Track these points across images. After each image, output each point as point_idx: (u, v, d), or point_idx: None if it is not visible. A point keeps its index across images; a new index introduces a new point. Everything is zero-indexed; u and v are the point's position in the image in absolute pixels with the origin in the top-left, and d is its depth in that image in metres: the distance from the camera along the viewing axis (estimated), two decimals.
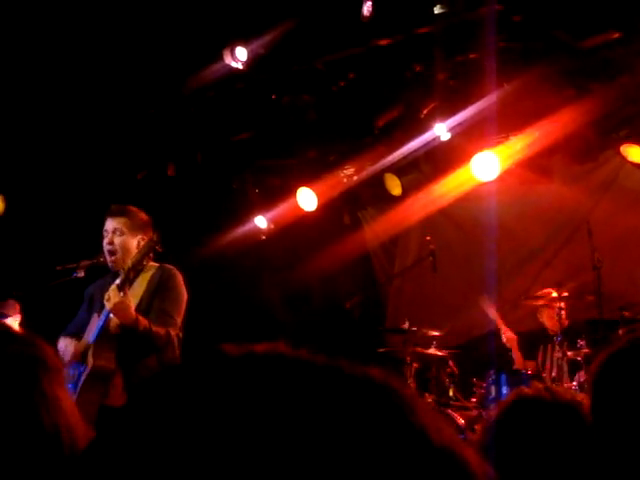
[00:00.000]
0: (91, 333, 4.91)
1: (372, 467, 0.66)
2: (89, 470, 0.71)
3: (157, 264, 5.12)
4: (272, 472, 0.65)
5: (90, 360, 4.81)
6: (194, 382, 0.74)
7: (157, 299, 4.97)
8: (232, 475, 0.65)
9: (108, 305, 4.73)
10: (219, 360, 0.76)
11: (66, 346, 4.97)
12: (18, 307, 7.18)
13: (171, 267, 5.12)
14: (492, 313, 7.67)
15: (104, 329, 4.80)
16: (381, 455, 0.67)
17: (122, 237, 5.01)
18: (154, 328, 4.84)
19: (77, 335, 5.03)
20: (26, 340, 1.70)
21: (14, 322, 6.57)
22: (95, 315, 4.99)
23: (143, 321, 4.81)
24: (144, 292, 5.00)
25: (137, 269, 4.98)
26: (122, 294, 4.73)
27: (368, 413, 0.70)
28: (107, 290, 4.95)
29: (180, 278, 5.10)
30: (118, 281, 4.80)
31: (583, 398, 2.13)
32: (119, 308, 4.73)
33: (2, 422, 1.54)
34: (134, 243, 5.05)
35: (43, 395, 1.56)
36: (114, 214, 5.05)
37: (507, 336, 7.51)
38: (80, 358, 4.88)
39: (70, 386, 4.82)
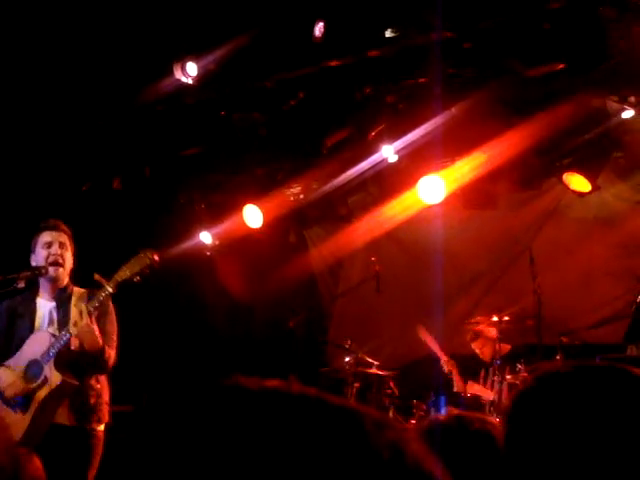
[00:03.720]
0: (38, 351, 4.88)
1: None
2: None
3: (82, 289, 5.18)
4: None
5: (54, 377, 4.79)
6: (222, 418, 0.80)
7: (101, 322, 5.02)
8: None
9: (74, 330, 4.77)
10: (241, 395, 0.81)
11: None
12: None
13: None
14: (429, 341, 7.70)
15: (65, 347, 4.84)
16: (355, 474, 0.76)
17: (68, 251, 5.15)
18: (108, 351, 4.97)
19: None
20: None
21: None
22: (43, 332, 4.98)
23: (104, 345, 4.93)
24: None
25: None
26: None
27: (346, 439, 0.79)
28: (33, 306, 4.98)
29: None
30: (89, 304, 4.84)
31: (497, 424, 2.18)
32: (85, 331, 4.79)
33: None
34: (71, 259, 5.15)
35: None
36: (57, 229, 5.13)
37: (445, 362, 7.55)
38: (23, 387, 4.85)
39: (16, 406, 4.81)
